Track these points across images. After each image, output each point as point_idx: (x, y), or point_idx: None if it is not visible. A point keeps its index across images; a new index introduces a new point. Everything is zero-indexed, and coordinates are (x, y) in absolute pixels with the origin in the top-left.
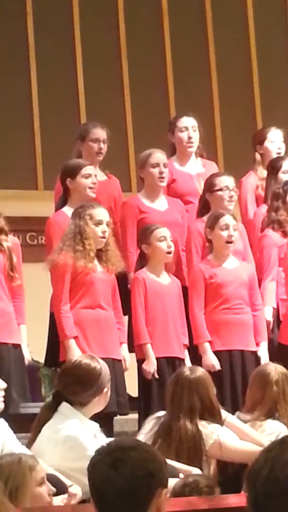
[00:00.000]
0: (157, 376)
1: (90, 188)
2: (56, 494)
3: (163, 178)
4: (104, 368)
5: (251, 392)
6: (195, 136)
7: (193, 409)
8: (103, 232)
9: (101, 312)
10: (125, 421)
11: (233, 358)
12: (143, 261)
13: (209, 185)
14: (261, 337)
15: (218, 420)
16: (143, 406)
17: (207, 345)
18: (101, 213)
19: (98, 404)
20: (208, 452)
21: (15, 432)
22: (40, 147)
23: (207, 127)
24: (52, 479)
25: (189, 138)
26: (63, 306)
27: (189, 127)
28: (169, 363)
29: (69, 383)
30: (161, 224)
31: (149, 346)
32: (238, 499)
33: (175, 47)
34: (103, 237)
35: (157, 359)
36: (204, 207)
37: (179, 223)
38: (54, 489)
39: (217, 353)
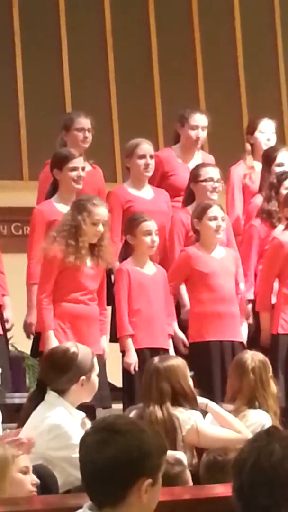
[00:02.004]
0: (137, 369)
1: (74, 180)
2: (45, 486)
3: (149, 169)
4: (83, 354)
5: (230, 382)
6: (203, 136)
7: (163, 395)
8: (98, 231)
9: (85, 308)
10: (109, 411)
11: (224, 349)
12: (128, 250)
13: (194, 176)
14: (242, 315)
15: (194, 405)
16: (126, 397)
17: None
18: (100, 212)
19: (79, 393)
20: (185, 438)
21: None
22: (25, 137)
23: None
24: (42, 469)
25: (197, 138)
26: (45, 298)
27: (200, 126)
28: (153, 354)
29: (47, 369)
30: (147, 212)
31: (129, 339)
32: (224, 489)
33: (160, 35)
34: (96, 236)
35: (141, 350)
36: (189, 197)
37: (165, 211)
38: (38, 481)
39: (207, 343)
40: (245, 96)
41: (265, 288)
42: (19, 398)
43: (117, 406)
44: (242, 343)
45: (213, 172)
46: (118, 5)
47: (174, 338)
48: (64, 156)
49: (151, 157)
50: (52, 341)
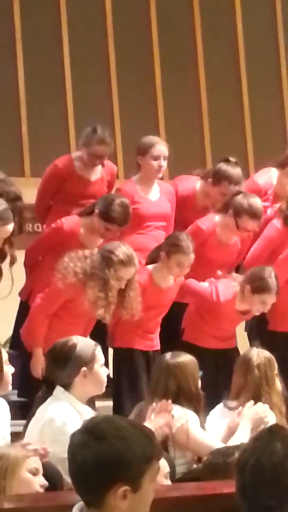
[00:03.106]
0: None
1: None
2: (52, 486)
3: (161, 171)
4: (82, 345)
5: (236, 378)
6: (164, 165)
7: (167, 393)
8: (119, 285)
9: (77, 326)
10: (103, 408)
11: (216, 355)
12: (156, 256)
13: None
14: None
15: (196, 406)
16: (115, 395)
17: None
18: (126, 273)
19: (84, 386)
20: (174, 436)
21: None
22: (27, 134)
23: (194, 118)
24: (47, 466)
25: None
26: (45, 318)
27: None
28: (144, 355)
29: (49, 365)
30: (150, 215)
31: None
32: (227, 486)
33: (162, 31)
34: (121, 286)
35: (131, 349)
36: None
37: (168, 214)
38: (46, 483)
39: (201, 349)
40: (247, 96)
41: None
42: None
43: (106, 403)
44: (235, 348)
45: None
46: (119, 1)
47: None
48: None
49: (164, 158)
50: (41, 360)
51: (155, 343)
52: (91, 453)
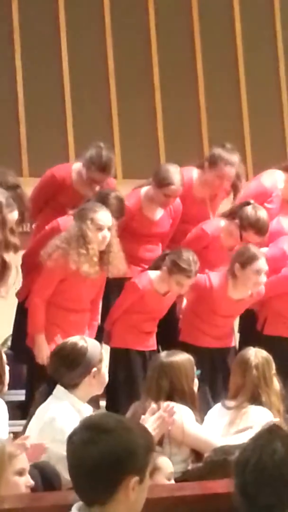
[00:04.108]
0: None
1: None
2: (48, 484)
3: (168, 203)
4: (92, 347)
5: (233, 378)
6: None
7: (160, 391)
8: (103, 237)
9: (75, 315)
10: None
11: (214, 354)
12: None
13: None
14: None
15: (190, 405)
16: (110, 394)
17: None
18: (102, 217)
19: (91, 386)
20: (170, 432)
21: None
22: (25, 134)
23: (192, 114)
24: (46, 466)
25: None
26: (42, 302)
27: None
28: (141, 355)
29: (57, 365)
30: (147, 234)
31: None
32: (225, 486)
33: (160, 32)
34: (103, 242)
35: (129, 350)
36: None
37: (165, 233)
38: (32, 482)
39: (199, 348)
40: (245, 99)
41: None
42: (22, 395)
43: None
44: (233, 347)
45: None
46: (118, 3)
47: None
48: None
49: (174, 198)
50: (44, 345)
51: (152, 343)
52: (102, 448)
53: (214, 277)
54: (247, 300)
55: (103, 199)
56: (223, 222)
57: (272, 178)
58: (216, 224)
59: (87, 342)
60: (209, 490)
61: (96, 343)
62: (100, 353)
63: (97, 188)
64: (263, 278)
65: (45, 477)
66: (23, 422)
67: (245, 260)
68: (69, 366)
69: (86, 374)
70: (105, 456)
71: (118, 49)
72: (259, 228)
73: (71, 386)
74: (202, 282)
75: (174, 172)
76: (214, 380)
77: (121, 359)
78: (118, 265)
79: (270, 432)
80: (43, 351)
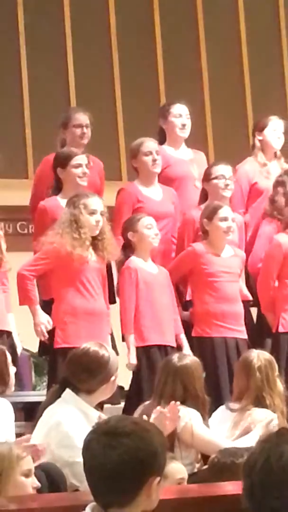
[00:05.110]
0: (135, 363)
1: (79, 177)
2: (53, 484)
3: (156, 164)
4: (112, 356)
5: (237, 381)
6: (188, 123)
7: (174, 396)
8: (97, 221)
9: (94, 303)
10: (116, 409)
11: (228, 344)
12: (127, 250)
13: (206, 175)
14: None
15: (201, 410)
16: (133, 394)
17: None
18: (94, 202)
19: (105, 392)
20: (180, 436)
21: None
22: (31, 136)
23: (197, 115)
24: (51, 467)
25: (183, 124)
26: (30, 276)
27: (183, 114)
28: (161, 351)
29: (77, 370)
30: (155, 214)
31: (131, 337)
32: (231, 487)
33: (165, 33)
34: (97, 226)
35: (149, 347)
36: (203, 197)
37: (172, 213)
38: (38, 484)
39: (212, 339)
40: (249, 94)
41: (265, 290)
42: (25, 397)
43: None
44: (245, 340)
45: (223, 169)
46: (123, 4)
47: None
48: (67, 154)
49: (157, 153)
50: (41, 315)
51: (171, 339)
52: (122, 452)
53: (197, 245)
54: (235, 259)
55: None
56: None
57: None
58: None
59: (107, 351)
60: (214, 492)
61: (113, 352)
62: (117, 361)
63: (87, 132)
64: (233, 224)
65: (50, 479)
66: (28, 423)
67: (210, 212)
68: (92, 374)
69: (105, 382)
70: (127, 459)
71: (124, 53)
72: None
73: (86, 391)
74: (191, 251)
75: None
76: (228, 371)
77: (141, 356)
78: (113, 251)
79: (278, 436)
80: (43, 320)
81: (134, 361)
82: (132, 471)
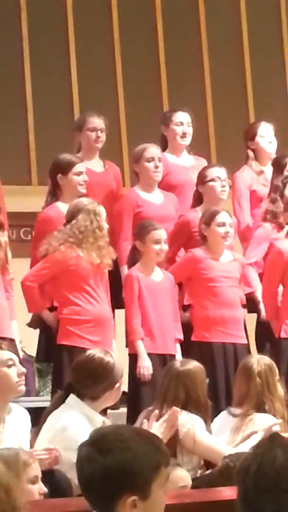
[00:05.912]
0: (151, 372)
1: (81, 185)
2: (59, 489)
3: (158, 172)
4: (117, 363)
5: (237, 386)
6: (190, 131)
7: (176, 401)
8: (103, 227)
9: (99, 308)
10: (119, 414)
11: (226, 350)
12: (136, 255)
13: (201, 177)
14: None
15: (204, 415)
16: (131, 400)
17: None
18: (102, 210)
19: (110, 399)
20: (182, 442)
21: None
22: (34, 143)
23: (199, 120)
24: (56, 473)
25: (184, 133)
26: (34, 283)
27: (184, 122)
28: (161, 360)
29: (82, 376)
30: (156, 217)
31: (140, 342)
32: (231, 492)
33: (167, 39)
34: (103, 232)
35: (149, 355)
36: (197, 200)
37: (173, 217)
38: (45, 490)
39: (210, 344)
40: (252, 101)
41: (269, 297)
42: (29, 402)
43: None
44: (245, 345)
45: (219, 171)
46: (126, 10)
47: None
48: (69, 161)
49: (159, 159)
50: (52, 320)
51: (171, 347)
52: (97, 466)
53: (197, 250)
54: (234, 264)
55: None
56: None
57: None
58: None
59: (113, 358)
60: (214, 498)
61: (119, 360)
62: (123, 368)
63: (102, 135)
64: (230, 229)
65: (55, 484)
66: (32, 429)
67: (208, 217)
68: (97, 380)
69: (109, 389)
70: (100, 475)
71: (126, 59)
72: None
73: (91, 398)
74: (190, 257)
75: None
76: (227, 376)
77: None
78: (113, 257)
79: (270, 440)
80: (53, 322)
81: (146, 363)
82: (102, 487)
